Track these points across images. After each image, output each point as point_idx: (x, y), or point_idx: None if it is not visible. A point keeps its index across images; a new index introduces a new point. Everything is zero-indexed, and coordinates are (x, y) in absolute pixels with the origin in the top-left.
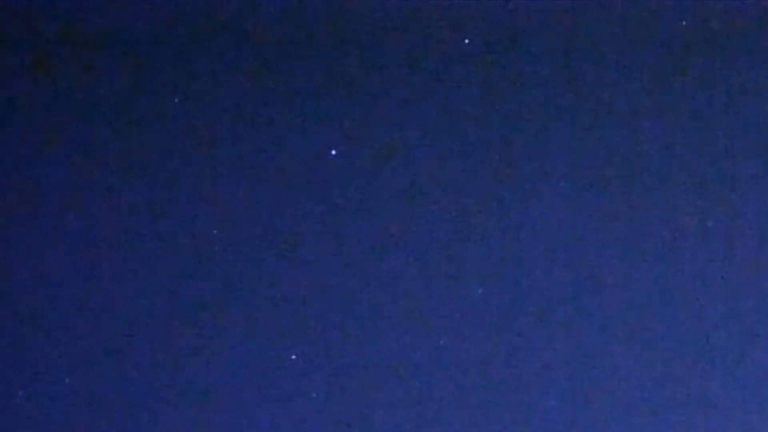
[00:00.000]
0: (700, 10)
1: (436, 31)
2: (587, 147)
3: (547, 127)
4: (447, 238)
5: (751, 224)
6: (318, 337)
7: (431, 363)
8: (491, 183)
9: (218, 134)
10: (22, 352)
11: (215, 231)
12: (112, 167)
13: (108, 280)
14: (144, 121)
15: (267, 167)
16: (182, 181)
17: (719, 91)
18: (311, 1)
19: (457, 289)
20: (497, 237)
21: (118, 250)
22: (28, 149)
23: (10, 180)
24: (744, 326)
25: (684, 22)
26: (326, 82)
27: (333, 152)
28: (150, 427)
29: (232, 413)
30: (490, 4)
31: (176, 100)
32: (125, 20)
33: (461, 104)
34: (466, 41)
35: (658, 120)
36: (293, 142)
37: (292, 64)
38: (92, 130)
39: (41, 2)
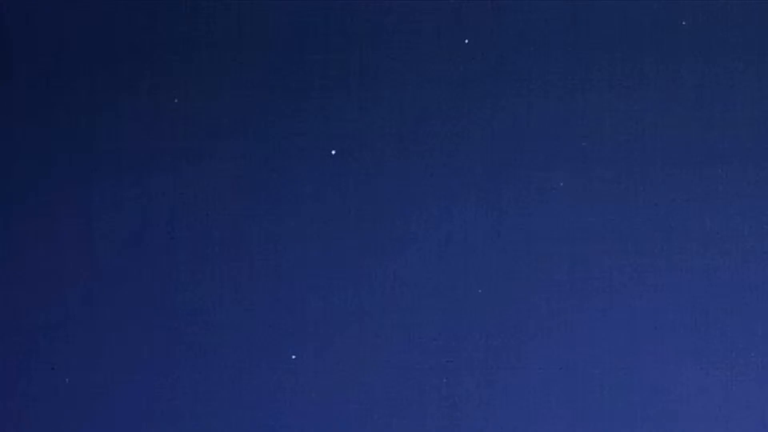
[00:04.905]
0: (700, 10)
1: (436, 31)
2: (588, 147)
3: (547, 127)
4: (447, 238)
5: (753, 225)
6: (318, 337)
7: (431, 363)
8: (491, 183)
9: (218, 134)
10: (22, 352)
11: (215, 231)
12: (111, 167)
13: (108, 280)
14: (144, 121)
15: (267, 167)
16: (181, 181)
17: (719, 91)
18: (311, 2)
19: (457, 289)
20: (497, 237)
21: (118, 249)
22: (27, 150)
23: (9, 180)
24: (746, 328)
25: (684, 22)
26: (326, 82)
27: (333, 152)
28: (149, 426)
29: (232, 413)
30: (490, 4)
31: (176, 100)
32: (125, 20)
33: (461, 104)
34: (466, 41)
35: (658, 119)
36: (293, 142)
37: (292, 63)
38: (92, 130)
39: (42, 4)
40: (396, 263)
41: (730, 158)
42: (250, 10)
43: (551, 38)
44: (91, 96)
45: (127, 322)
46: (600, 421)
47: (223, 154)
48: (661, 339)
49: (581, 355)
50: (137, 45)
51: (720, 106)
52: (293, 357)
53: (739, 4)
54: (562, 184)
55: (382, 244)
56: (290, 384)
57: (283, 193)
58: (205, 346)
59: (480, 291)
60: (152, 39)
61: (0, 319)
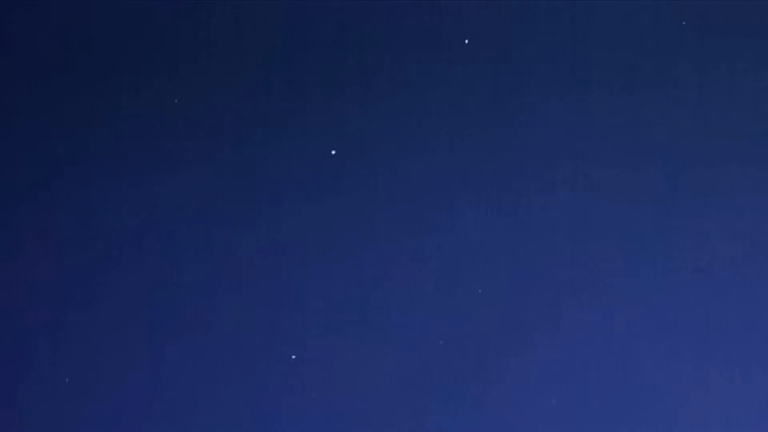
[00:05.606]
0: (700, 10)
1: (437, 31)
2: (588, 147)
3: (547, 128)
4: (447, 238)
5: (753, 225)
6: (318, 337)
7: (431, 363)
8: (491, 183)
9: (218, 134)
10: (22, 352)
11: (215, 230)
12: (111, 166)
13: (108, 280)
14: (144, 121)
15: (267, 167)
16: (181, 181)
17: (719, 91)
18: (311, 2)
19: (457, 289)
20: (497, 237)
21: (118, 249)
22: (27, 150)
23: (9, 180)
24: (746, 328)
25: (684, 22)
26: (326, 82)
27: (333, 152)
28: (149, 426)
29: (232, 413)
30: (490, 4)
31: (176, 100)
32: (125, 20)
33: (461, 104)
34: (466, 41)
35: (658, 119)
36: (293, 142)
37: (292, 64)
38: (92, 130)
39: (41, 3)
40: (396, 263)
41: (730, 158)
42: (250, 10)
43: (551, 38)
44: (91, 96)
45: (127, 322)
46: (600, 421)
47: (222, 153)
48: (661, 339)
49: (581, 354)
50: (137, 45)
51: (720, 106)
52: (293, 357)
53: (739, 4)
54: (562, 184)
55: (382, 244)
56: (290, 384)
57: (283, 193)
58: (205, 346)
59: (480, 291)
60: (152, 39)
61: (0, 319)
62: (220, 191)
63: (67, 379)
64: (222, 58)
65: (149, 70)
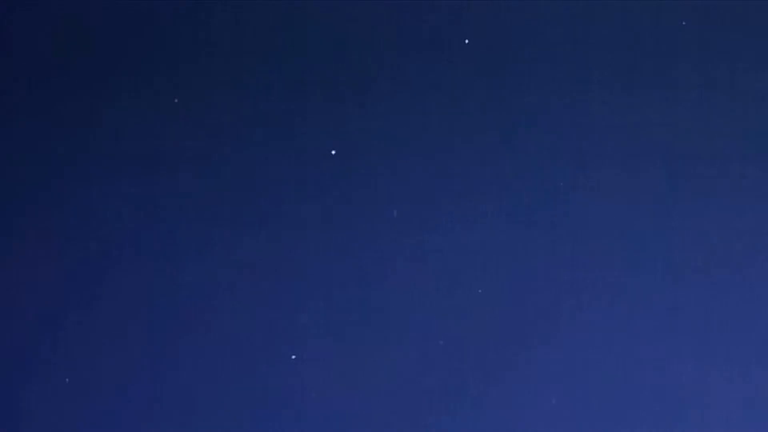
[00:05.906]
0: (700, 10)
1: (437, 31)
2: (588, 147)
3: (547, 128)
4: (447, 238)
5: (753, 225)
6: (318, 337)
7: (431, 363)
8: (491, 183)
9: (218, 134)
10: (22, 352)
11: (215, 230)
12: (111, 166)
13: (108, 280)
14: (143, 120)
15: (267, 167)
16: (181, 182)
17: (719, 91)
18: (311, 2)
19: (457, 289)
20: (497, 237)
21: (119, 248)
22: (27, 150)
23: (9, 180)
24: (746, 328)
25: (684, 22)
26: (326, 82)
27: (333, 152)
28: (149, 426)
29: (233, 413)
30: (490, 4)
31: (176, 100)
32: (125, 20)
33: (461, 104)
34: (466, 41)
35: (658, 119)
36: (293, 142)
37: (292, 64)
38: (92, 130)
39: (41, 3)
40: (396, 263)
41: (730, 158)
42: (250, 10)
43: (551, 38)
44: (91, 96)
45: (127, 322)
46: (600, 421)
47: (222, 153)
48: (661, 339)
49: (581, 354)
50: (137, 45)
51: (720, 106)
52: (293, 357)
53: (739, 4)
54: (562, 184)
55: (382, 244)
56: (290, 384)
57: (283, 193)
58: (205, 346)
59: (480, 291)
60: (152, 39)
61: (0, 319)
62: (220, 191)
63: (67, 379)
64: (222, 58)
65: (149, 70)
